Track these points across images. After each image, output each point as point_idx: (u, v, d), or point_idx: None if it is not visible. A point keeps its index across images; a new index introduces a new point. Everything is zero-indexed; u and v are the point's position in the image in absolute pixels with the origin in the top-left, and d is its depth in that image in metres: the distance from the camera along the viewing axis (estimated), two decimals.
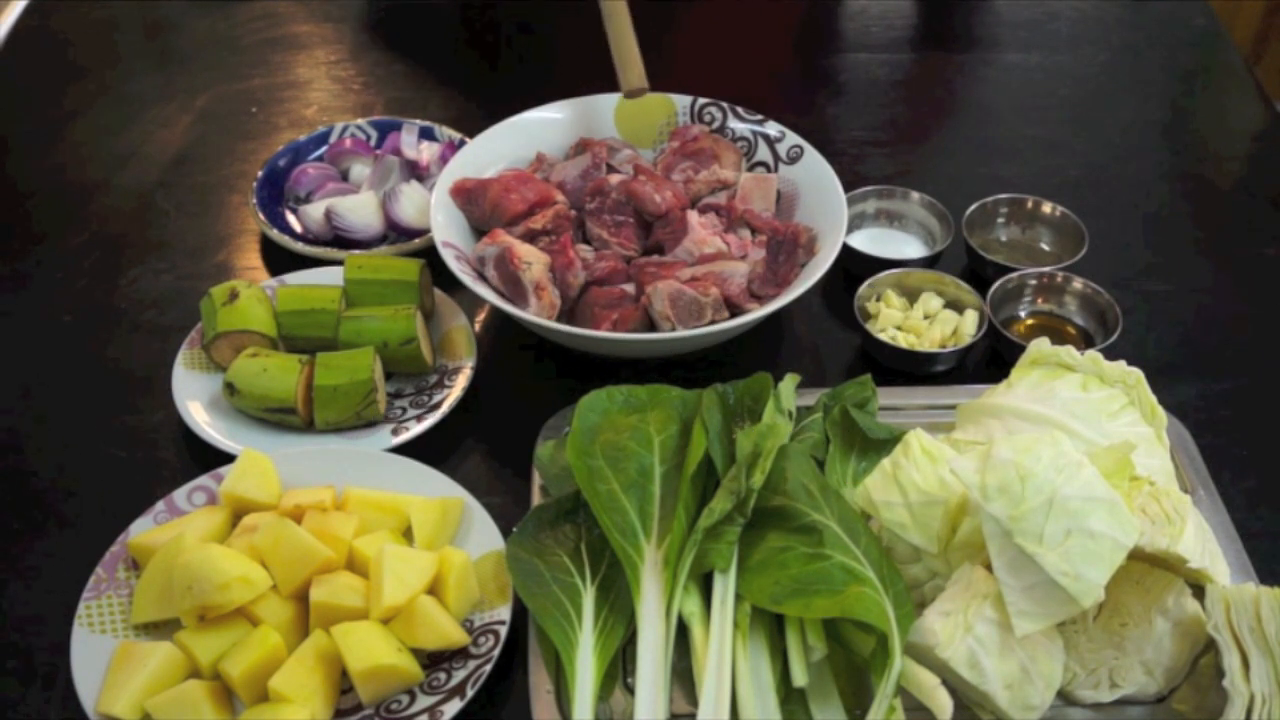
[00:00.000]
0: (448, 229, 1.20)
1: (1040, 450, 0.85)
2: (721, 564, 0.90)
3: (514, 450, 1.09)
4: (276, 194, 1.37)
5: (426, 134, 1.43)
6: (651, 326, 1.16)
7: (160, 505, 1.02)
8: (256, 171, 1.37)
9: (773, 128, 1.32)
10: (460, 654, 0.93)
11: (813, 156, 1.28)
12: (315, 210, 1.32)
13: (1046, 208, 1.34)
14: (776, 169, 1.30)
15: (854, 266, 1.28)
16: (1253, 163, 1.54)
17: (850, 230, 1.31)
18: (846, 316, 1.24)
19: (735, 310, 1.16)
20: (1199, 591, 0.92)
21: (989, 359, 1.22)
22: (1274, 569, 1.01)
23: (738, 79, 1.63)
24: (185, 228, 1.38)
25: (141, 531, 0.99)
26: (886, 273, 1.24)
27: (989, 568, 0.87)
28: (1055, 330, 1.24)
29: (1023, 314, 1.26)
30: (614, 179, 1.25)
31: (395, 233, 1.32)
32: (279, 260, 1.31)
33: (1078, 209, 1.33)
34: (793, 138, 1.30)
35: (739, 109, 1.34)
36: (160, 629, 0.95)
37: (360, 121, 1.45)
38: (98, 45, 1.69)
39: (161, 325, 1.25)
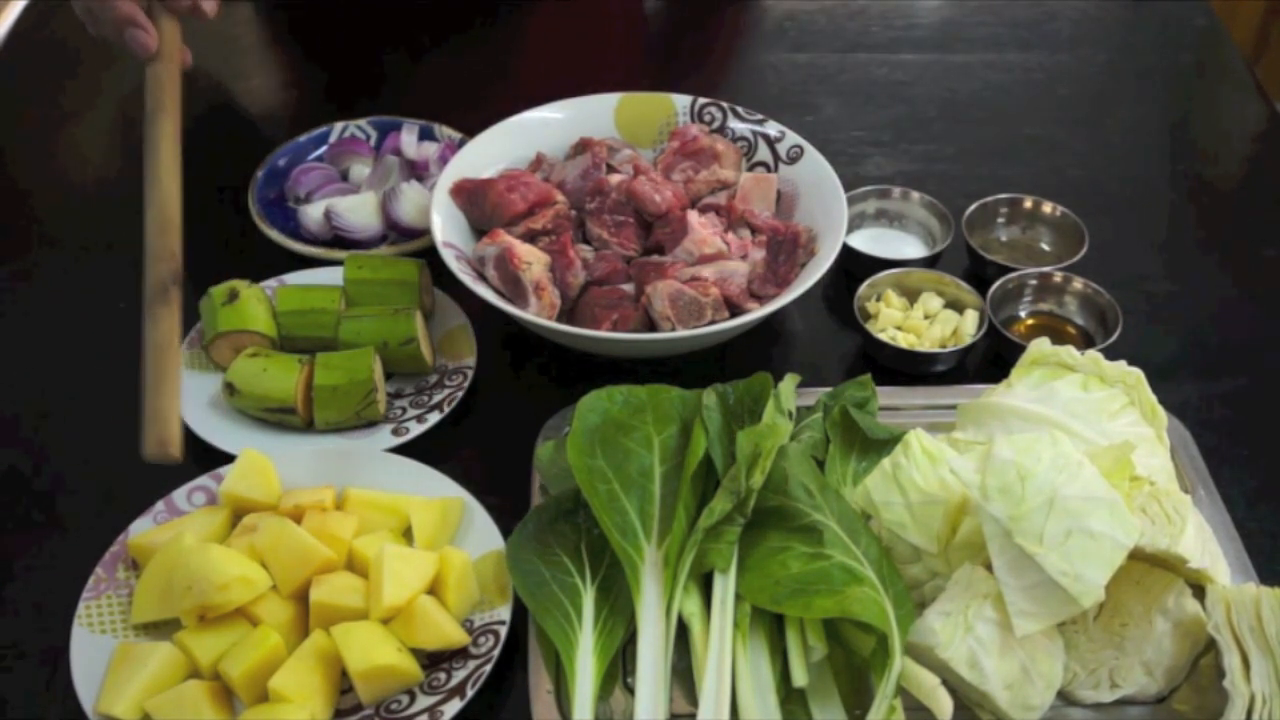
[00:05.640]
0: (448, 229, 1.20)
1: (1040, 450, 0.85)
2: (721, 564, 0.90)
3: (514, 450, 1.09)
4: (277, 194, 1.37)
5: (426, 134, 1.43)
6: (651, 326, 1.16)
7: (160, 505, 1.02)
8: (256, 171, 1.37)
9: (773, 128, 1.32)
10: (460, 654, 0.93)
11: (813, 156, 1.28)
12: (315, 210, 1.32)
13: (1046, 208, 1.34)
14: (776, 169, 1.30)
15: (854, 266, 1.28)
16: (1253, 163, 1.54)
17: (850, 230, 1.31)
18: (846, 316, 1.24)
19: (735, 310, 1.16)
20: (1199, 591, 0.92)
21: (989, 359, 1.22)
22: (1274, 569, 1.01)
23: (738, 79, 1.64)
24: (185, 228, 1.38)
25: (141, 531, 0.99)
26: (886, 273, 1.24)
27: (989, 568, 0.87)
28: (1055, 330, 1.24)
29: (1023, 314, 1.26)
30: (614, 179, 1.25)
31: (395, 233, 1.32)
32: (279, 260, 1.31)
33: (1078, 209, 1.33)
34: (793, 138, 1.30)
35: (739, 109, 1.34)
36: (160, 629, 0.95)
37: (360, 121, 1.45)
38: (98, 45, 1.68)
39: None
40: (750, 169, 1.32)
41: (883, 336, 1.19)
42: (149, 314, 0.99)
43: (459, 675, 0.91)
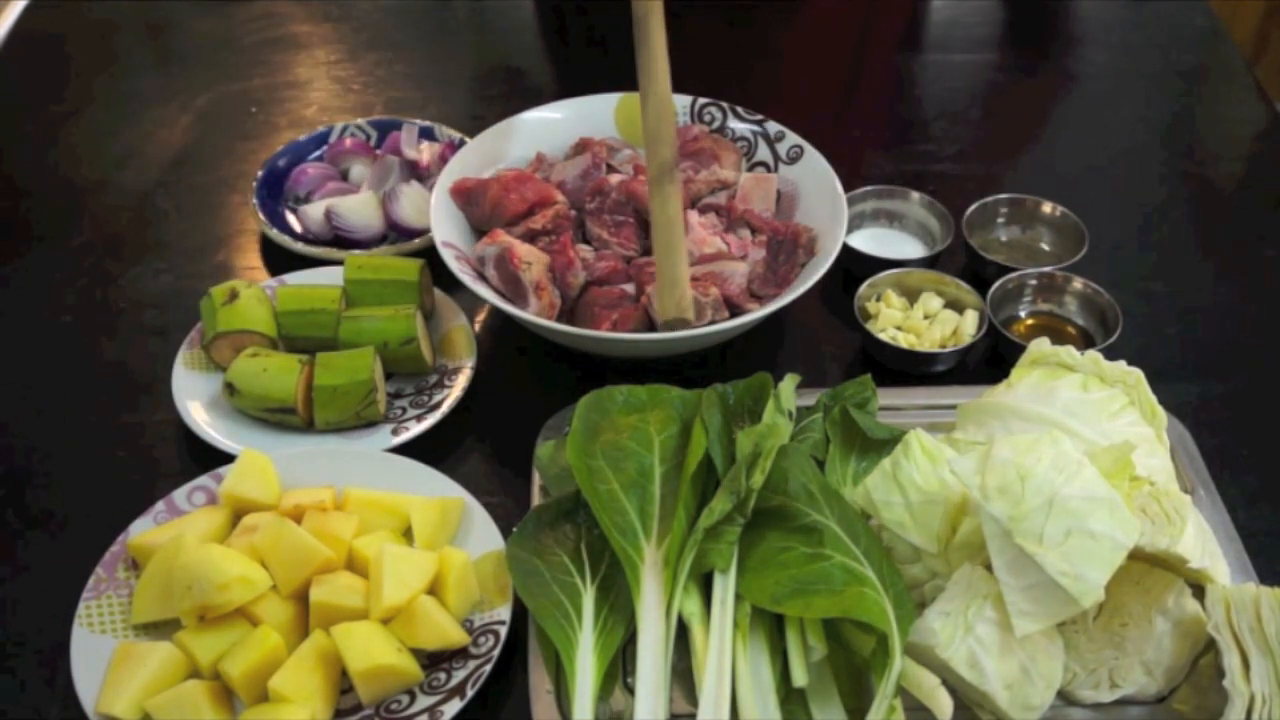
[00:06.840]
0: (448, 229, 1.20)
1: (1040, 450, 0.85)
2: (721, 564, 0.90)
3: (514, 450, 1.09)
4: (276, 194, 1.37)
5: (426, 134, 1.43)
6: (651, 326, 1.16)
7: (160, 505, 1.02)
8: (256, 171, 1.37)
9: (773, 127, 1.32)
10: (460, 654, 0.93)
11: (813, 156, 1.28)
12: (315, 210, 1.32)
13: (1046, 208, 1.34)
14: (776, 169, 1.30)
15: (854, 266, 1.28)
16: (1253, 163, 1.54)
17: (850, 230, 1.31)
18: (846, 316, 1.24)
19: (735, 310, 1.16)
20: (1199, 591, 0.92)
21: (989, 359, 1.22)
22: (1274, 569, 1.01)
23: (738, 79, 1.63)
24: (185, 228, 1.38)
25: (141, 531, 0.99)
26: (886, 273, 1.24)
27: (989, 568, 0.87)
28: (1055, 330, 1.24)
29: (1023, 314, 1.26)
30: (614, 179, 1.25)
31: (395, 233, 1.32)
32: (279, 260, 1.31)
33: (1078, 209, 1.33)
34: (793, 138, 1.30)
35: (739, 109, 1.34)
36: (160, 629, 0.95)
37: (360, 121, 1.45)
38: (97, 45, 1.69)
39: (161, 325, 1.25)
40: (750, 169, 1.32)
41: (883, 336, 1.19)
42: (657, 192, 1.10)
43: (459, 675, 0.91)
